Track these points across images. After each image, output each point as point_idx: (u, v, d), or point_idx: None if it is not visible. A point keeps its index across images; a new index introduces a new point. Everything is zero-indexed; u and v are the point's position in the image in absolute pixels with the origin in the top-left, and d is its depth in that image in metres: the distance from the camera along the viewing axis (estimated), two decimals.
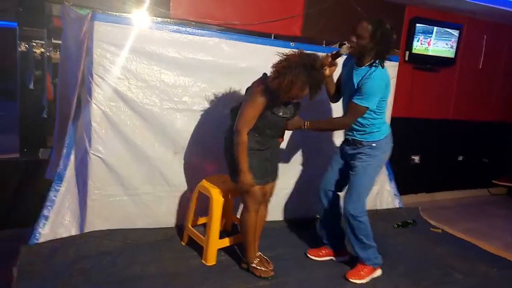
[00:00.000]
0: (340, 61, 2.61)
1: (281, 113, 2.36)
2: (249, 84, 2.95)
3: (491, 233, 3.88)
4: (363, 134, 2.52)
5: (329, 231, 2.80)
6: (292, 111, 2.43)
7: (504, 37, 4.83)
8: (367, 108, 2.36)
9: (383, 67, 2.37)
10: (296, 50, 2.26)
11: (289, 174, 3.32)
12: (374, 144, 2.51)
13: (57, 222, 2.64)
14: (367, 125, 2.49)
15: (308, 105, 2.52)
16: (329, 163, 2.76)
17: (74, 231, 2.70)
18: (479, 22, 4.58)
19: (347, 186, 2.61)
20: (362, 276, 2.56)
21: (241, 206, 2.96)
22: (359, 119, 2.46)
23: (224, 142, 2.51)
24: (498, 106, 5.07)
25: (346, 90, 2.55)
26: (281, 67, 2.19)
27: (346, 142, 2.65)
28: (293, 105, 2.43)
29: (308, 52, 2.25)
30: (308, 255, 2.82)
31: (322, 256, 2.81)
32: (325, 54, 2.49)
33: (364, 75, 2.36)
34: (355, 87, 2.40)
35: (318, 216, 2.93)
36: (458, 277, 2.73)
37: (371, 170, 2.54)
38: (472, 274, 2.78)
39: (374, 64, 2.36)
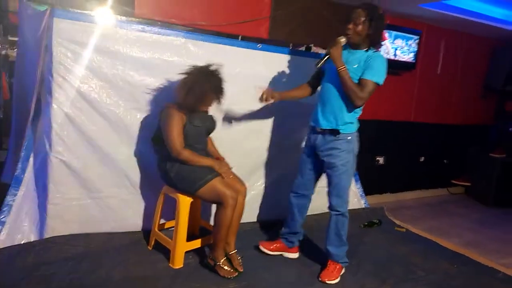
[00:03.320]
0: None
1: (197, 122, 2.50)
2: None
3: (451, 231, 4.03)
4: (344, 124, 2.51)
5: (291, 230, 2.84)
6: (208, 122, 2.63)
7: (460, 44, 5.06)
8: (377, 85, 2.42)
9: (378, 51, 2.48)
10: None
11: (256, 176, 3.32)
12: (349, 138, 2.53)
13: (15, 228, 2.51)
14: (352, 113, 2.52)
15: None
16: (299, 167, 2.77)
17: (33, 237, 2.58)
18: (437, 29, 4.78)
19: (329, 186, 2.62)
20: (335, 276, 2.59)
21: (210, 208, 2.93)
22: (350, 105, 2.47)
23: (163, 175, 2.58)
24: (456, 110, 5.30)
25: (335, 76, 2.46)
26: (189, 82, 2.41)
27: (319, 133, 2.59)
28: (207, 117, 2.64)
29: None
30: (260, 247, 2.85)
31: (274, 250, 2.84)
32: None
33: (368, 55, 2.43)
34: (359, 67, 2.43)
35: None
36: (421, 274, 2.80)
37: (350, 167, 2.58)
38: (434, 271, 2.87)
39: (370, 49, 2.45)
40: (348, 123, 2.52)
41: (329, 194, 2.62)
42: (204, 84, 2.42)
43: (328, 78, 2.57)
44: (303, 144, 3.29)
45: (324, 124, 2.55)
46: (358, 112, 2.56)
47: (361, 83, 2.41)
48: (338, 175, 2.55)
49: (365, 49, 2.47)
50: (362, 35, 2.41)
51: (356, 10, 2.40)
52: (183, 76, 2.45)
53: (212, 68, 2.48)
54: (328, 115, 2.53)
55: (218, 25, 3.37)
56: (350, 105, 2.47)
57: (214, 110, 2.93)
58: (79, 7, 2.84)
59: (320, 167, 2.67)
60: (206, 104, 2.53)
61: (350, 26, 2.41)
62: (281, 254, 2.86)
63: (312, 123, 2.66)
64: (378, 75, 2.41)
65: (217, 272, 2.49)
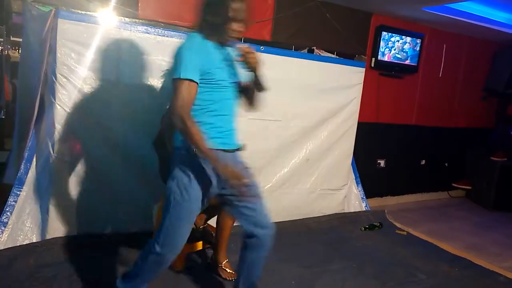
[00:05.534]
0: None
1: None
2: None
3: (452, 234, 4.03)
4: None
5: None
6: None
7: (462, 47, 5.06)
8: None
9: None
10: None
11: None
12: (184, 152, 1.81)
13: (17, 229, 2.52)
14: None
15: None
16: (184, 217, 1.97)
17: (35, 238, 2.58)
18: (439, 32, 4.77)
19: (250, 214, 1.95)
20: None
21: None
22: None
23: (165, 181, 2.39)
24: (457, 113, 5.29)
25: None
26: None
27: (230, 153, 1.92)
28: None
29: None
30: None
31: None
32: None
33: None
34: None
35: None
36: (422, 277, 2.81)
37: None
38: (435, 274, 2.87)
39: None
40: None
41: (252, 221, 1.94)
42: None
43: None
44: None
45: (236, 142, 1.98)
46: (202, 108, 1.92)
47: None
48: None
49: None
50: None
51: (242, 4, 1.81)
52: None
53: None
54: (235, 130, 1.99)
55: None
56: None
57: None
58: (83, 8, 2.84)
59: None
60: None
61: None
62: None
63: (226, 146, 1.90)
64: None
65: (219, 274, 2.49)
